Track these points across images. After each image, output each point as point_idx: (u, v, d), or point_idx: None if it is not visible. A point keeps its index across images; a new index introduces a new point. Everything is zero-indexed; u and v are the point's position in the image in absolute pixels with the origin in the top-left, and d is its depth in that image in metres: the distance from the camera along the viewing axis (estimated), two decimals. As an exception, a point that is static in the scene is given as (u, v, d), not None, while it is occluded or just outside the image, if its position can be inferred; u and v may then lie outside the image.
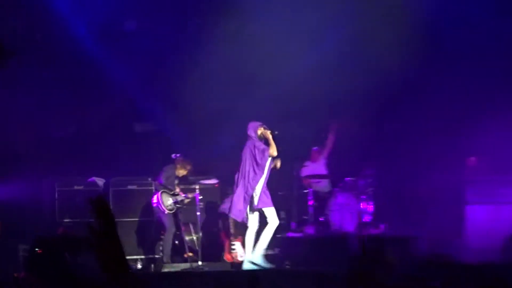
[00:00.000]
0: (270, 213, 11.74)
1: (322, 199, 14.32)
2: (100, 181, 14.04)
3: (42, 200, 14.10)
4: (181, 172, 13.24)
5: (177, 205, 12.91)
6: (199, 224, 13.01)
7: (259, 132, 12.01)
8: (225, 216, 12.73)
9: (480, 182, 13.85)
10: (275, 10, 14.95)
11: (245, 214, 11.72)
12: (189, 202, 13.21)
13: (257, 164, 11.90)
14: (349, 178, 14.25)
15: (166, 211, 12.79)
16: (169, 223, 12.80)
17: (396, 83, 14.96)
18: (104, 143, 14.83)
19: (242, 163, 11.97)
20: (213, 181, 13.88)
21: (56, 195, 13.79)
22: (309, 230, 13.95)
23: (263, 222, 11.84)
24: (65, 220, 13.55)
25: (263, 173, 11.84)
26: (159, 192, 12.99)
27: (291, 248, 12.99)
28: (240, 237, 12.69)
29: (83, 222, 12.54)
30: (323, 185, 14.81)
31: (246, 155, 11.91)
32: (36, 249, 8.52)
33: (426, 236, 13.33)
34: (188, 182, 13.64)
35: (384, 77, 14.82)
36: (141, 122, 15.47)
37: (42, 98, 14.32)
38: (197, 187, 13.06)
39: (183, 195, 13.10)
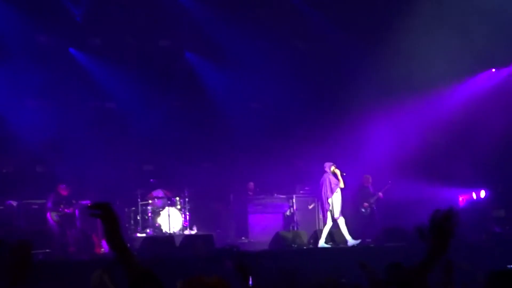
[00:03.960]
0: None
1: (157, 212, 19.08)
2: (14, 203, 17.55)
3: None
4: (64, 193, 17.69)
5: (62, 217, 17.56)
6: (78, 230, 17.60)
7: (332, 168, 17.37)
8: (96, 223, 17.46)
9: (256, 200, 19.49)
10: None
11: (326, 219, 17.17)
12: (71, 214, 17.61)
13: (331, 191, 17.11)
14: (174, 199, 19.16)
15: (54, 222, 17.48)
16: (57, 229, 17.45)
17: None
18: (17, 180, 19.00)
19: (321, 188, 17.30)
20: (87, 201, 17.54)
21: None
22: (150, 232, 18.83)
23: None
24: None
25: (332, 195, 17.07)
26: (48, 212, 17.54)
27: (138, 244, 16.89)
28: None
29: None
30: (157, 203, 19.42)
31: (324, 183, 17.24)
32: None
33: (223, 235, 18.91)
34: (70, 202, 17.73)
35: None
36: (40, 165, 19.78)
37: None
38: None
39: (67, 211, 17.57)
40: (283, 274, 8.12)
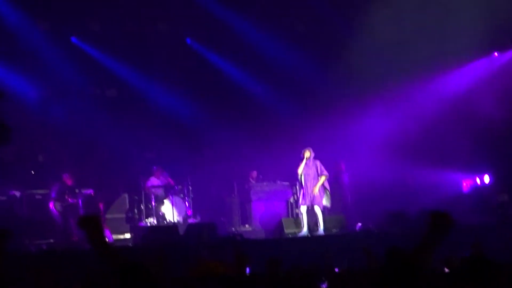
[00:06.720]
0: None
1: (161, 201, 18.95)
2: (17, 193, 17.47)
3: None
4: (69, 183, 17.58)
5: (66, 208, 17.44)
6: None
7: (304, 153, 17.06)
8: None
9: (259, 187, 19.34)
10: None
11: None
12: (75, 204, 17.44)
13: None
14: (177, 187, 19.03)
15: (57, 212, 17.44)
16: (60, 219, 17.38)
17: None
18: (18, 170, 18.99)
19: None
20: (89, 191, 17.87)
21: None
22: (153, 221, 18.36)
23: None
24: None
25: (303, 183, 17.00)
26: (52, 202, 17.48)
27: (141, 233, 16.84)
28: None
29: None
30: (159, 192, 19.10)
31: None
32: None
33: (226, 223, 18.96)
34: (73, 192, 17.56)
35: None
36: (41, 155, 19.75)
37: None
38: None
39: (70, 201, 17.45)
40: (269, 263, 8.02)
